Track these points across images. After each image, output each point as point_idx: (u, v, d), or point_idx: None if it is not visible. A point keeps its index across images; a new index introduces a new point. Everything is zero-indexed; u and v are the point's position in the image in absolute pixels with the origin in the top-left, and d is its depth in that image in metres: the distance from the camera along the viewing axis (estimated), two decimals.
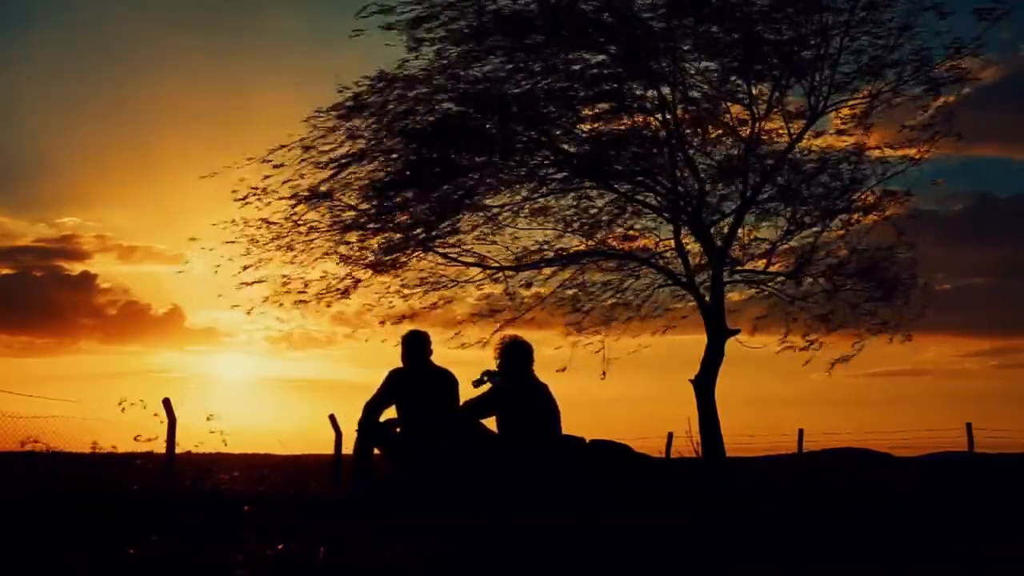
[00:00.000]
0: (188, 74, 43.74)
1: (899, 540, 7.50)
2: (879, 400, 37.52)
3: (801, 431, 20.60)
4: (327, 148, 12.86)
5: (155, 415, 10.77)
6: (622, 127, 13.46)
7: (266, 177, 12.80)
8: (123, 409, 10.55)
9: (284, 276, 13.30)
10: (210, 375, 36.57)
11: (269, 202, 12.98)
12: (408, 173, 12.83)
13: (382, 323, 13.74)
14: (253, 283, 13.23)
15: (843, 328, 13.56)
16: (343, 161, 12.84)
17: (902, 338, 13.49)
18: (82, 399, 11.76)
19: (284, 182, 12.95)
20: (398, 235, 13.21)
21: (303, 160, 12.86)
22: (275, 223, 13.06)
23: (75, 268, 42.40)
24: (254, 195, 12.94)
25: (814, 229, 13.71)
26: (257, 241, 13.07)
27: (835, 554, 6.70)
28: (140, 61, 44.99)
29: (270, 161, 12.81)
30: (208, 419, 11.30)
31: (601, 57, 12.92)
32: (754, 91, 13.05)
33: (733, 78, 12.93)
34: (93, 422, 10.90)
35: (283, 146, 12.86)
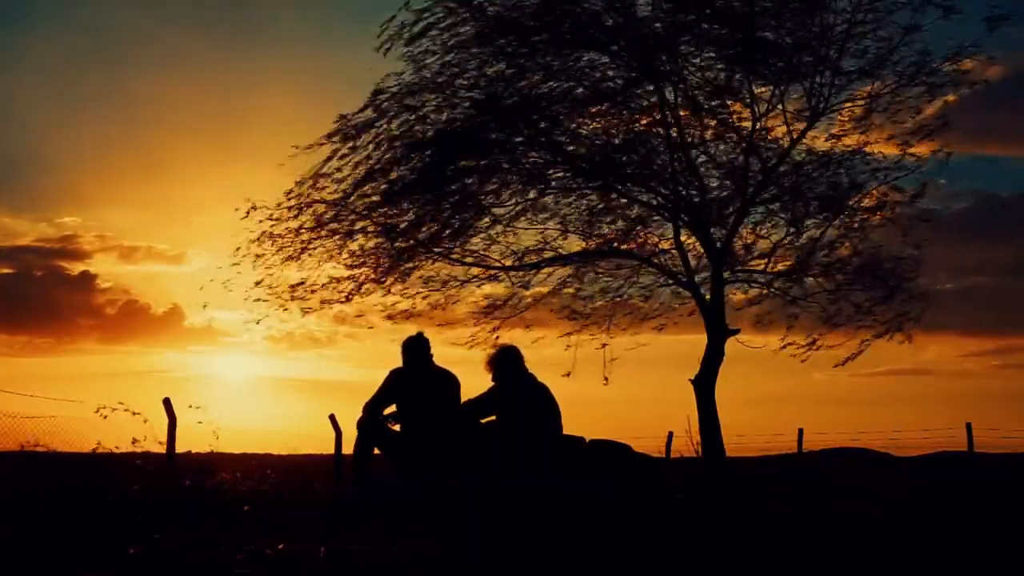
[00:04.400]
0: (189, 73, 43.84)
1: (899, 540, 7.51)
2: (879, 399, 37.58)
3: (801, 431, 20.62)
4: (336, 166, 12.99)
5: (135, 414, 10.64)
6: (623, 127, 13.44)
7: (288, 193, 13.04)
8: (104, 416, 10.55)
9: (291, 287, 13.37)
10: (210, 375, 36.63)
11: (272, 215, 13.09)
12: (413, 180, 12.86)
13: (390, 317, 13.74)
14: (259, 299, 13.32)
15: (845, 327, 13.51)
16: (350, 175, 12.96)
17: (902, 338, 13.43)
18: (82, 399, 11.78)
19: (297, 184, 13.04)
20: (402, 243, 13.22)
21: (318, 177, 12.98)
22: (280, 235, 13.13)
23: (75, 268, 42.50)
24: (254, 209, 13.02)
25: (815, 228, 13.67)
26: (261, 256, 13.16)
27: (835, 554, 6.70)
28: (141, 61, 45.09)
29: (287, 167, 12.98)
30: (191, 407, 11.46)
31: (603, 58, 12.91)
32: (755, 91, 13.03)
33: (736, 76, 12.90)
34: (93, 422, 10.90)
35: (291, 156, 12.99)
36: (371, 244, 13.25)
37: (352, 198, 13.00)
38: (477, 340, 13.57)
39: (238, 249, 13.13)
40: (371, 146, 12.95)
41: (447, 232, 13.13)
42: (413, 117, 12.88)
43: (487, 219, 13.30)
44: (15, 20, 41.39)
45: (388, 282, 13.36)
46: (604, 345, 13.69)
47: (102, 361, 43.33)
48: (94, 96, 44.62)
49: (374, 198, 13.01)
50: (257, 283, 13.24)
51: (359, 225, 13.13)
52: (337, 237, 13.17)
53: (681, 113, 13.25)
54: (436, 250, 13.38)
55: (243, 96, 42.96)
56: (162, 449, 12.36)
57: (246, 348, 34.47)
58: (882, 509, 10.33)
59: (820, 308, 13.60)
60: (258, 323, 13.73)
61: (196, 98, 44.35)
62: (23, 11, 41.65)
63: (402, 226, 13.08)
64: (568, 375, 13.37)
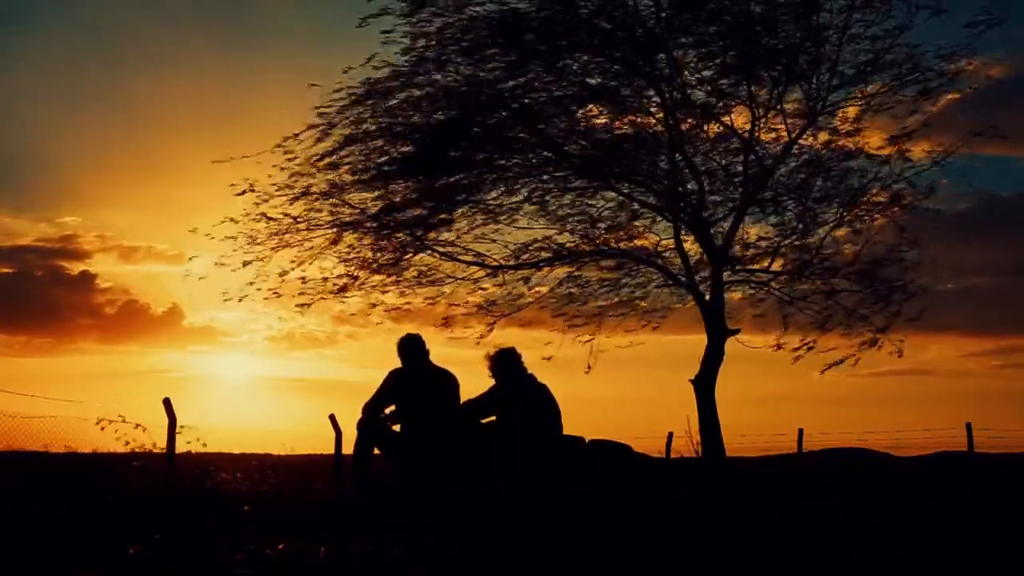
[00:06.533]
0: (189, 73, 43.79)
1: (899, 540, 7.51)
2: (880, 400, 37.47)
3: (801, 431, 20.62)
4: (327, 146, 12.86)
5: (137, 426, 10.70)
6: (621, 128, 13.43)
7: (274, 165, 12.82)
8: (102, 428, 10.61)
9: (281, 271, 13.21)
10: (210, 375, 36.68)
11: (267, 197, 12.94)
12: (407, 169, 12.81)
13: (380, 323, 13.71)
14: (252, 283, 13.15)
15: (839, 332, 13.44)
16: (342, 154, 12.83)
17: (893, 348, 13.32)
18: (82, 399, 11.80)
19: (291, 176, 12.93)
20: (397, 234, 13.17)
21: (309, 157, 12.86)
22: (274, 218, 13.02)
23: (75, 268, 42.43)
24: (252, 190, 12.88)
25: (814, 229, 13.66)
26: (255, 238, 13.02)
27: (835, 554, 6.71)
28: (141, 60, 45.02)
29: (285, 148, 12.79)
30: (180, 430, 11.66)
31: (600, 59, 12.88)
32: (753, 91, 13.01)
33: (732, 81, 12.89)
34: (92, 427, 10.90)
35: (287, 138, 12.84)
36: (366, 240, 13.17)
37: (341, 175, 12.89)
38: (475, 339, 13.57)
39: (233, 220, 12.94)
40: (359, 131, 12.84)
41: (438, 222, 13.07)
42: (401, 110, 12.79)
43: (477, 209, 13.26)
44: (15, 20, 41.39)
45: (383, 274, 13.27)
46: (589, 340, 13.70)
47: (102, 361, 43.34)
48: (94, 96, 44.57)
49: (362, 180, 12.94)
50: (246, 263, 13.05)
51: (349, 214, 13.06)
52: (329, 226, 13.08)
53: (679, 114, 13.23)
54: (438, 249, 13.35)
55: (243, 96, 42.90)
56: (161, 450, 12.37)
57: (246, 348, 34.53)
58: (882, 509, 10.33)
59: (814, 311, 13.55)
60: (240, 300, 13.38)
61: (196, 98, 44.29)
62: (23, 11, 41.63)
63: (395, 218, 12.99)
64: (550, 358, 13.31)
